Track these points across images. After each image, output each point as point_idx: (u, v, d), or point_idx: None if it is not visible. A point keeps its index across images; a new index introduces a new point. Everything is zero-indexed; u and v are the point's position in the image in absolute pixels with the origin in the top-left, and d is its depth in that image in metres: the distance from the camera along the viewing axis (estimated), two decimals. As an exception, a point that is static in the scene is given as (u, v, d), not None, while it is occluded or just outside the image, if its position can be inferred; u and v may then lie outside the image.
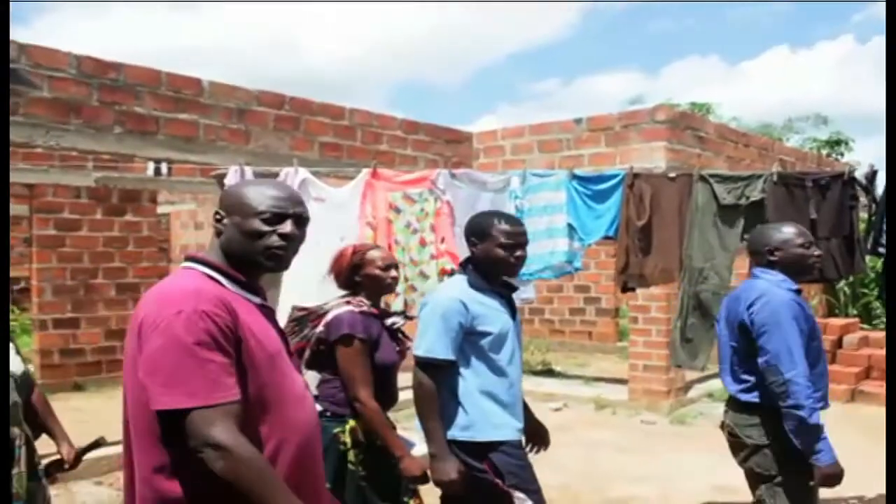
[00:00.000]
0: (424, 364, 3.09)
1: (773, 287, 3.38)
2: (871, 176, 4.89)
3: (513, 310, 3.31)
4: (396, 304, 5.10)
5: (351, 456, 3.21)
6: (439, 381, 3.09)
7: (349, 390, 3.22)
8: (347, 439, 3.21)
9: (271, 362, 1.98)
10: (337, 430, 3.21)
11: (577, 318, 13.96)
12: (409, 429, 4.02)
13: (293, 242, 2.17)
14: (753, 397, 3.42)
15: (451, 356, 3.07)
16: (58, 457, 3.07)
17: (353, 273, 3.44)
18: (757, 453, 3.44)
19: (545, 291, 13.72)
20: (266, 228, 2.09)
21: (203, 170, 7.65)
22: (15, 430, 2.78)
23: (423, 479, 3.17)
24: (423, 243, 5.07)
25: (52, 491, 5.69)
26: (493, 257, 3.17)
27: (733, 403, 3.59)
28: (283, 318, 5.55)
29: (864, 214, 5.53)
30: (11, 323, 12.72)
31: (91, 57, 6.22)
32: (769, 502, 3.41)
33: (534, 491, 3.18)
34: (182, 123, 6.74)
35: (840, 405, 8.29)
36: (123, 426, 2.05)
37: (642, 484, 5.95)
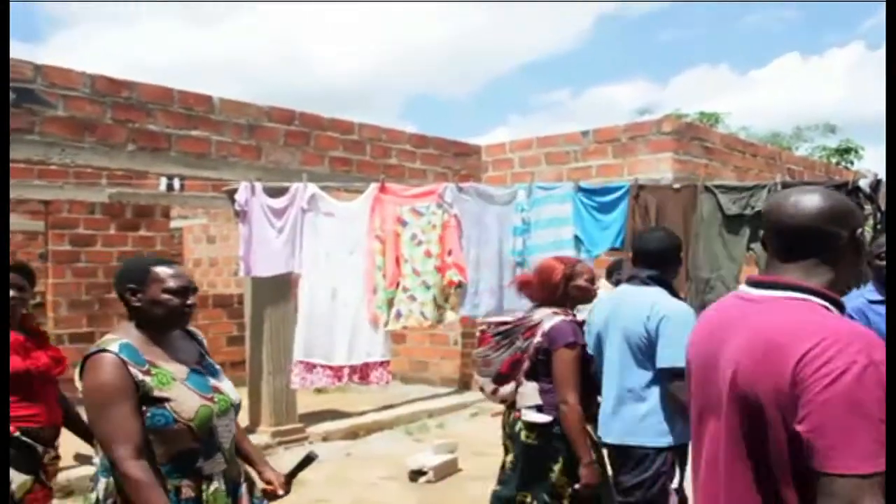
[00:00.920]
0: (678, 374, 3.00)
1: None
2: (875, 185, 4.92)
3: None
4: (394, 314, 5.17)
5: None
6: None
7: (560, 393, 3.34)
8: None
9: None
10: None
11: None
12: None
13: None
14: None
15: None
16: (266, 485, 2.91)
17: (566, 284, 3.55)
18: None
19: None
20: None
21: (215, 185, 7.77)
22: (239, 468, 2.67)
23: (597, 487, 3.28)
24: (427, 255, 5.14)
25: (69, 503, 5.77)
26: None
27: None
28: (297, 328, 5.64)
29: (871, 222, 5.54)
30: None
31: (104, 76, 6.33)
32: None
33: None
34: (194, 140, 6.85)
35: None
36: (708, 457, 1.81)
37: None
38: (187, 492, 2.38)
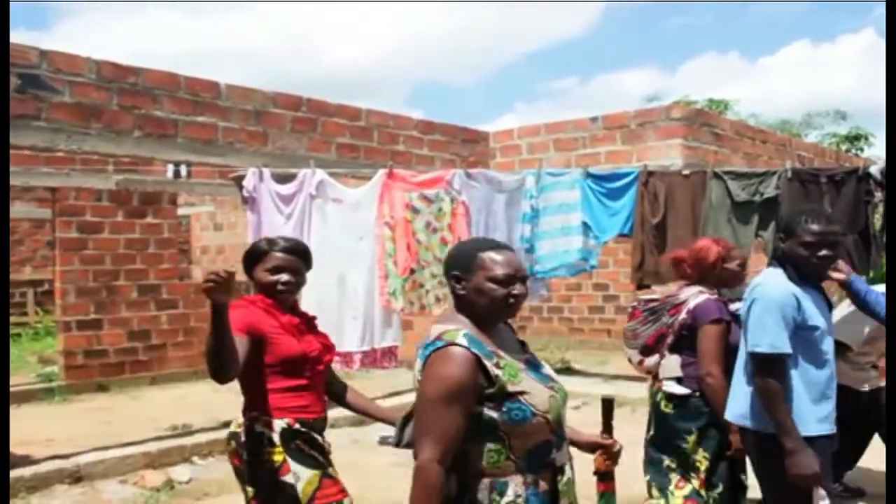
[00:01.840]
0: (768, 360, 3.03)
1: None
2: (886, 171, 4.87)
3: (829, 305, 3.26)
4: (428, 299, 5.15)
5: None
6: (780, 376, 3.03)
7: (703, 366, 3.52)
8: None
9: None
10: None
11: (595, 317, 13.92)
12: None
13: None
14: None
15: (790, 350, 3.03)
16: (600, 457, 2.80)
17: (719, 266, 3.69)
18: None
19: (563, 290, 13.70)
20: None
21: (222, 172, 7.74)
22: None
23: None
24: (444, 242, 5.12)
25: (78, 489, 5.80)
26: (796, 256, 3.13)
27: None
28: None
29: (881, 209, 5.50)
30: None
31: (110, 62, 6.31)
32: None
33: (832, 492, 3.11)
34: (200, 126, 6.82)
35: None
36: None
37: (660, 481, 5.93)
38: (543, 485, 2.33)
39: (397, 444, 2.77)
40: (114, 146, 6.36)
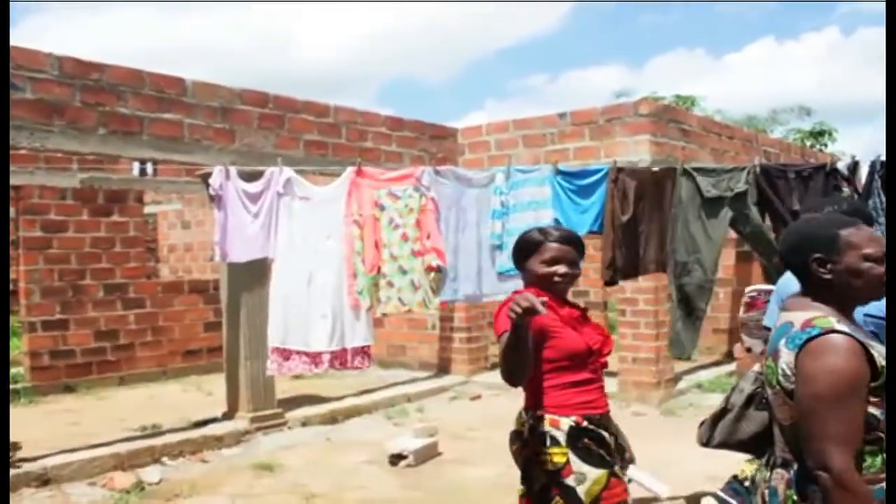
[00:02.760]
0: None
1: None
2: (853, 167, 4.93)
3: None
4: (377, 299, 5.12)
5: None
6: None
7: None
8: None
9: None
10: None
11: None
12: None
13: None
14: None
15: None
16: None
17: None
18: None
19: (534, 285, 13.74)
20: None
21: (188, 169, 7.66)
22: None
23: None
24: (404, 238, 5.09)
25: (46, 492, 5.71)
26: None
27: None
28: (271, 314, 5.58)
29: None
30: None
31: (72, 57, 6.20)
32: None
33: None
34: (166, 123, 6.73)
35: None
36: None
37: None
38: None
39: (706, 444, 2.72)
40: (78, 144, 6.25)
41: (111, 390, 9.65)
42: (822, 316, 2.05)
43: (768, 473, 2.22)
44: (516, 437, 2.98)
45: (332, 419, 7.91)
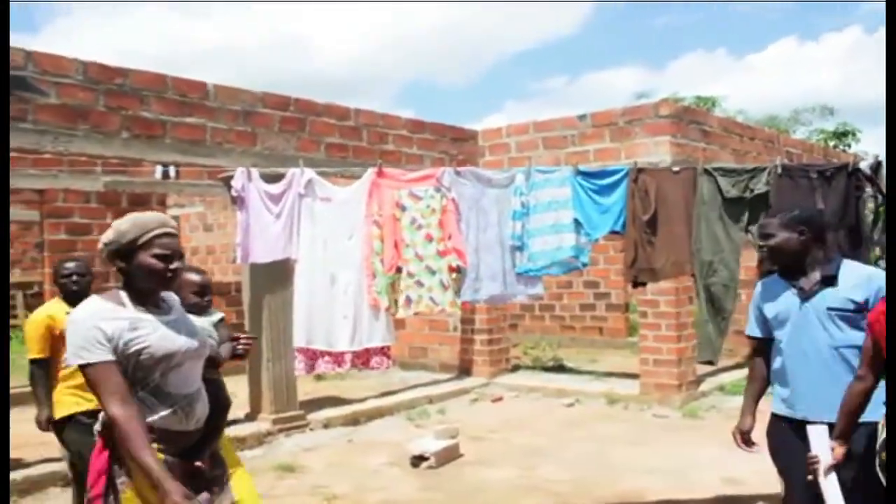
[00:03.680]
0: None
1: None
2: (876, 167, 4.87)
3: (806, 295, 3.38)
4: (400, 300, 5.13)
5: None
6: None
7: None
8: None
9: None
10: None
11: (587, 314, 13.96)
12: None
13: None
14: None
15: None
16: None
17: None
18: None
19: (555, 288, 13.73)
20: None
21: (210, 172, 7.71)
22: None
23: None
24: (428, 238, 5.10)
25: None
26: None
27: None
28: (296, 315, 5.61)
29: (870, 205, 5.51)
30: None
31: (97, 63, 6.27)
32: None
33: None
34: (188, 127, 6.80)
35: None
36: None
37: (654, 476, 5.96)
38: None
39: None
40: (101, 147, 6.33)
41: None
42: None
43: None
44: None
45: (353, 421, 7.93)
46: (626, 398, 8.94)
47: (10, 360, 11.08)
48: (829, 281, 3.31)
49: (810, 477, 3.06)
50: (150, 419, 2.60)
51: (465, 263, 5.06)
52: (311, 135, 7.75)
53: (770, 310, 3.47)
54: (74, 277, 4.59)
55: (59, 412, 4.44)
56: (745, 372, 9.94)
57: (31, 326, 4.54)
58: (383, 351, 5.33)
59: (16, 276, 14.99)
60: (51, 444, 6.60)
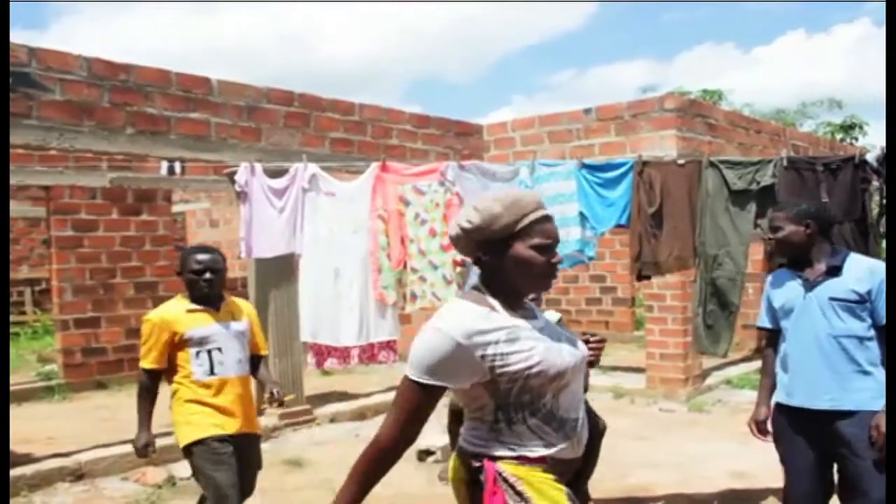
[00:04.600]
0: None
1: None
2: (883, 159, 4.84)
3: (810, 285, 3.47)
4: (408, 296, 5.13)
5: None
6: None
7: None
8: None
9: None
10: None
11: (593, 308, 13.95)
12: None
13: None
14: None
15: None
16: None
17: None
18: None
19: (561, 282, 13.71)
20: None
21: (216, 168, 7.72)
22: None
23: None
24: (432, 233, 5.10)
25: (80, 486, 5.79)
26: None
27: None
28: (302, 310, 5.62)
29: (877, 197, 5.48)
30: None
31: (101, 59, 6.28)
32: None
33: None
34: (193, 122, 6.80)
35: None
36: None
37: (661, 470, 5.95)
38: None
39: None
40: (106, 144, 6.33)
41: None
42: None
43: None
44: None
45: (360, 416, 7.94)
46: (632, 392, 8.93)
47: (19, 356, 11.15)
48: (834, 272, 3.39)
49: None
50: (547, 452, 2.10)
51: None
52: (316, 130, 7.75)
53: (778, 299, 3.58)
54: (207, 275, 3.79)
55: (189, 434, 3.72)
56: (751, 365, 9.95)
57: (151, 329, 3.80)
58: (389, 345, 5.35)
59: (23, 272, 15.04)
60: (59, 439, 6.65)
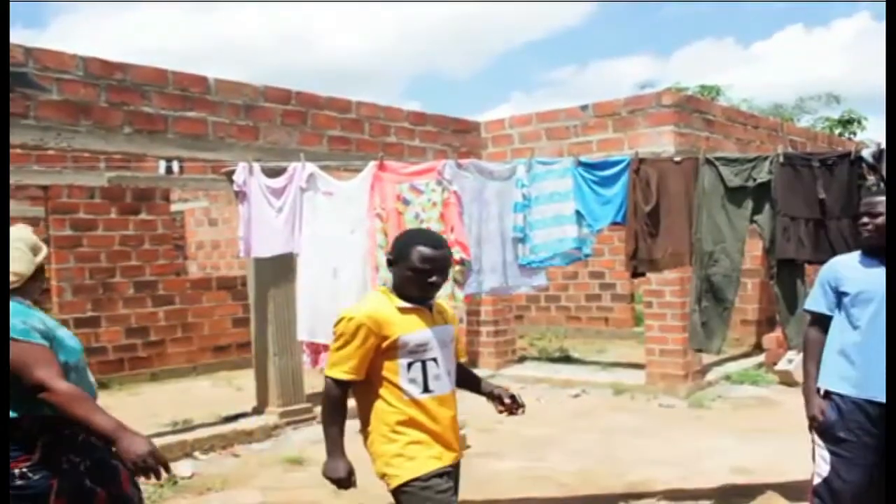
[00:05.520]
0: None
1: None
2: (878, 155, 4.84)
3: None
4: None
5: None
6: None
7: None
8: None
9: None
10: None
11: (593, 305, 13.96)
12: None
13: None
14: None
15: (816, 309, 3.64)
16: None
17: None
18: None
19: (560, 279, 13.73)
20: None
21: (214, 167, 7.72)
22: None
23: None
24: (430, 233, 5.10)
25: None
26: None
27: None
28: (299, 309, 5.62)
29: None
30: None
31: (97, 58, 6.28)
32: None
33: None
34: (190, 121, 6.80)
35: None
36: None
37: (661, 467, 5.96)
38: None
39: None
40: (104, 143, 6.34)
41: (143, 386, 9.78)
42: None
43: None
44: None
45: (359, 413, 7.95)
46: (632, 388, 8.94)
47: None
48: None
49: None
50: None
51: (468, 256, 5.07)
52: (313, 128, 7.75)
53: (853, 286, 3.44)
54: (434, 278, 3.00)
55: (406, 471, 3.01)
56: (751, 361, 9.96)
57: (356, 329, 2.95)
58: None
59: (23, 272, 15.03)
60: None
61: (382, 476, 3.09)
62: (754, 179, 5.00)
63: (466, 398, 3.43)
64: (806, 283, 4.90)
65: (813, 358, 3.59)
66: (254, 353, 7.57)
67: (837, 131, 20.75)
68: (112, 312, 9.88)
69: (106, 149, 6.58)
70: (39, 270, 2.89)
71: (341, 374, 3.02)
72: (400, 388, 2.99)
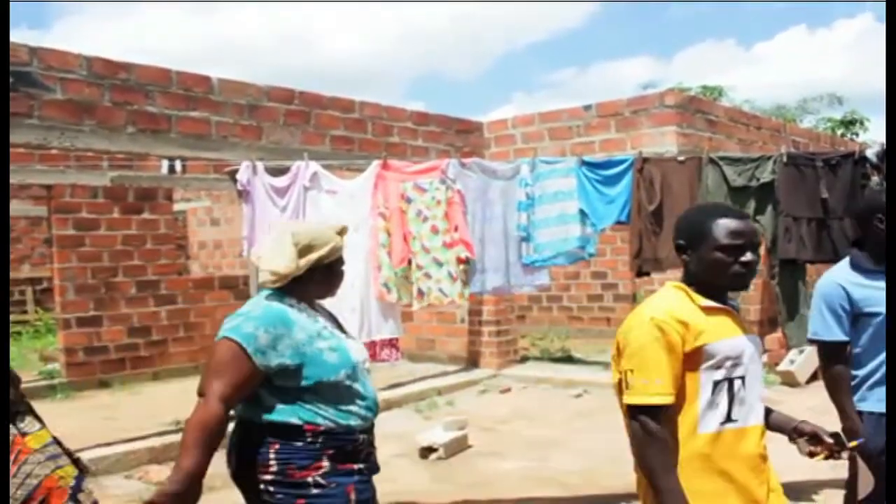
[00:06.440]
0: (818, 346, 3.25)
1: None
2: (882, 154, 4.85)
3: None
4: (411, 292, 5.13)
5: None
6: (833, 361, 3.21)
7: None
8: None
9: None
10: None
11: (595, 305, 13.95)
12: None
13: None
14: None
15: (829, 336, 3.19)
16: None
17: None
18: None
19: (562, 279, 13.72)
20: None
21: (217, 166, 7.73)
22: None
23: None
24: (434, 231, 5.10)
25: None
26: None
27: None
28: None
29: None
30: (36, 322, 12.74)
31: (101, 58, 6.29)
32: None
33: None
34: (194, 121, 6.81)
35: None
36: None
37: (661, 467, 5.95)
38: None
39: None
40: (107, 142, 6.34)
41: (145, 385, 9.78)
42: None
43: None
44: None
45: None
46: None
47: (21, 355, 11.15)
48: None
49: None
50: None
51: (472, 255, 5.07)
52: (317, 128, 7.76)
53: (875, 304, 3.09)
54: (749, 256, 2.28)
55: None
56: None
57: (660, 332, 2.24)
58: (392, 343, 5.35)
59: (25, 271, 15.07)
60: (61, 438, 6.65)
61: None
62: (758, 179, 5.01)
63: (467, 402, 3.42)
64: (807, 284, 4.90)
65: (847, 395, 3.18)
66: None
67: (840, 132, 20.73)
68: (114, 312, 9.89)
69: (109, 148, 6.59)
70: (313, 271, 2.68)
71: (658, 397, 2.23)
72: (694, 416, 2.27)
